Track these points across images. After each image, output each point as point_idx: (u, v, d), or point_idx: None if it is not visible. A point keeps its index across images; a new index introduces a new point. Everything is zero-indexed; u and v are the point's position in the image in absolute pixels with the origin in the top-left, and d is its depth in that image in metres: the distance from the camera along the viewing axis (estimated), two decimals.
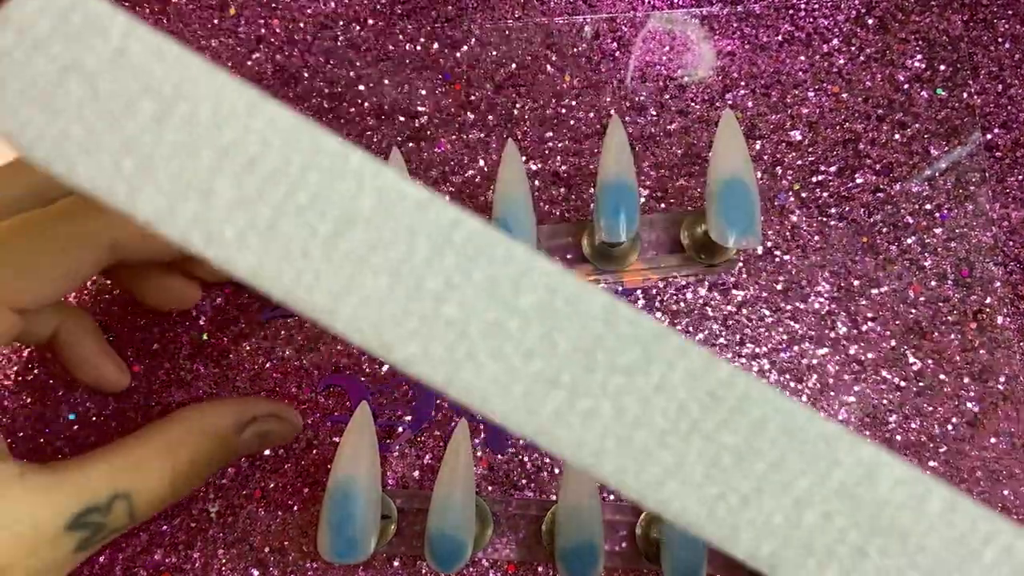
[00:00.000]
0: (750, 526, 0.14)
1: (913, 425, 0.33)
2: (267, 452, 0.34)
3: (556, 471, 0.34)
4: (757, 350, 0.35)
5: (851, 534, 0.14)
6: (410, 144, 0.38)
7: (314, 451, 0.34)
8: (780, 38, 0.39)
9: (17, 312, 0.24)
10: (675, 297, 0.35)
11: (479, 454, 0.34)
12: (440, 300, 0.14)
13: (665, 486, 0.14)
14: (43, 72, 0.13)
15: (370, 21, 0.41)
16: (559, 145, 0.38)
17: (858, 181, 0.36)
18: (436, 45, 0.40)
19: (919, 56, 0.38)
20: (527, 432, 0.14)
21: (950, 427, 0.33)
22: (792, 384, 0.34)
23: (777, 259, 0.36)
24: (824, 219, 0.36)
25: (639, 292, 0.35)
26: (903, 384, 0.34)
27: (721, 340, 0.35)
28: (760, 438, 0.14)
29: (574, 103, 0.38)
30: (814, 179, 0.36)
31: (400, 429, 0.35)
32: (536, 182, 0.37)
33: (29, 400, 0.36)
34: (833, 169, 0.36)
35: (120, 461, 0.24)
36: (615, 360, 0.14)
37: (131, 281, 0.32)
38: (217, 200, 0.14)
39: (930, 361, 0.34)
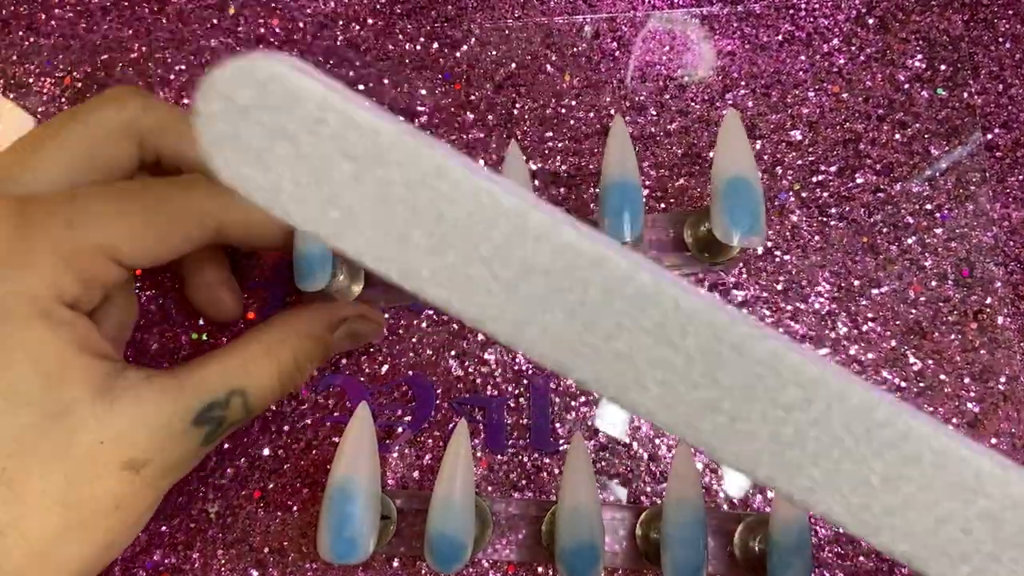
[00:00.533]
0: (890, 530, 0.16)
1: None
2: (266, 452, 0.34)
3: (556, 471, 0.34)
4: None
5: (987, 546, 0.16)
6: None
7: (313, 451, 0.34)
8: (780, 38, 0.39)
9: (121, 266, 0.25)
10: None
11: (479, 455, 0.34)
12: (611, 337, 0.16)
13: (815, 494, 0.16)
14: (253, 134, 0.15)
15: (369, 21, 0.41)
16: (559, 145, 0.38)
17: (858, 181, 0.36)
18: (436, 45, 0.40)
19: (919, 56, 0.38)
20: (688, 441, 0.16)
21: (950, 428, 0.33)
22: None
23: (777, 259, 0.36)
24: (824, 219, 0.36)
25: None
26: (903, 384, 0.34)
27: None
28: (911, 468, 0.16)
29: (574, 103, 0.38)
30: (814, 179, 0.36)
31: (400, 429, 0.34)
32: (536, 182, 0.37)
33: None
34: (833, 169, 0.36)
35: (232, 362, 0.26)
36: (775, 397, 0.16)
37: (188, 275, 0.33)
38: (412, 247, 0.16)
39: (930, 361, 0.34)
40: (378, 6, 0.41)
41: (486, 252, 0.16)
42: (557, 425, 0.34)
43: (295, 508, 0.34)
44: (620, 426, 0.34)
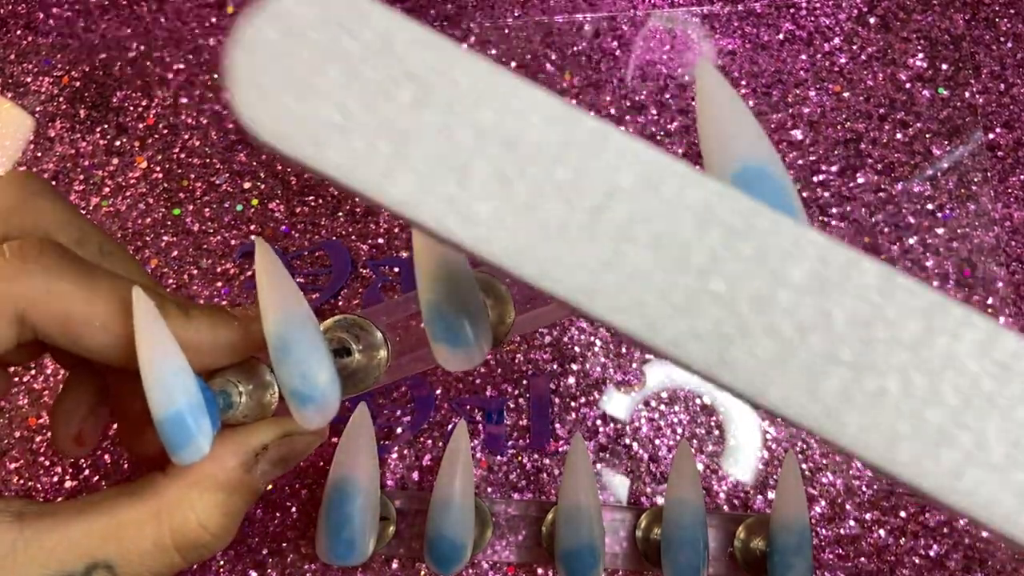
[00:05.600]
0: None
1: None
2: None
3: (556, 472, 0.33)
4: None
5: None
6: None
7: (312, 452, 0.34)
8: (781, 37, 0.38)
9: None
10: None
11: (478, 455, 0.34)
12: (706, 274, 0.14)
13: (966, 475, 0.13)
14: (303, 59, 0.14)
15: None
16: None
17: (860, 181, 0.36)
18: None
19: (921, 55, 0.38)
20: (809, 418, 0.14)
21: None
22: None
23: None
24: (825, 219, 0.36)
25: None
26: None
27: None
28: None
29: (574, 102, 0.38)
30: (815, 179, 0.36)
31: (399, 430, 0.34)
32: None
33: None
34: (834, 169, 0.36)
35: (100, 524, 0.20)
36: (896, 333, 0.13)
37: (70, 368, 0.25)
38: (472, 180, 0.14)
39: None
40: None
41: (562, 175, 0.14)
42: (557, 425, 0.34)
43: (294, 509, 0.34)
44: (626, 411, 0.34)
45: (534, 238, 0.14)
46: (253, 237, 0.21)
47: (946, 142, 0.36)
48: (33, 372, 0.36)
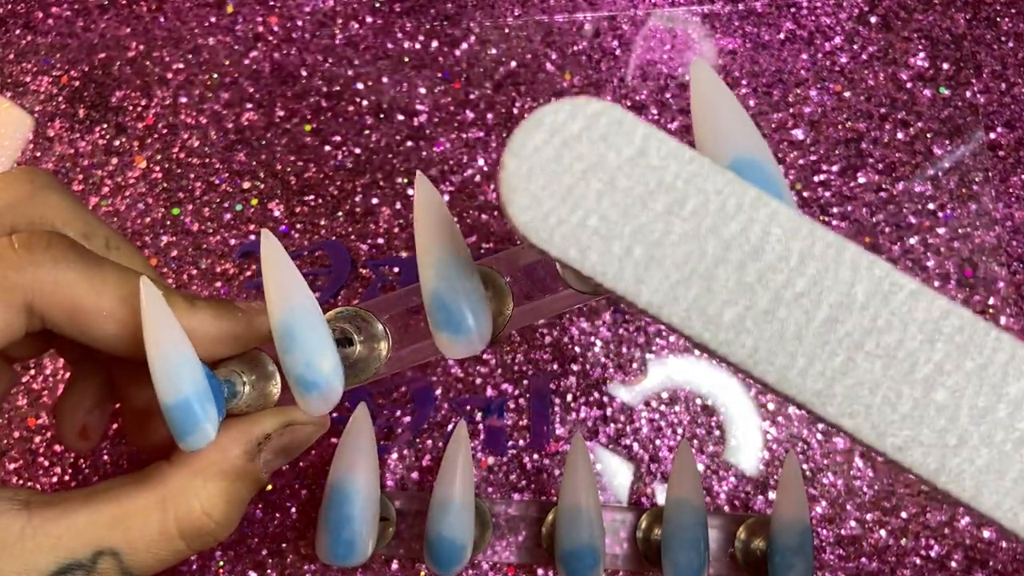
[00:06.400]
0: None
1: None
2: None
3: (556, 472, 0.33)
4: None
5: None
6: (409, 143, 0.38)
7: (312, 452, 0.34)
8: (782, 36, 0.38)
9: None
10: None
11: (478, 456, 0.34)
12: (931, 386, 0.15)
13: None
14: (570, 169, 0.15)
15: (369, 19, 0.40)
16: None
17: (860, 180, 0.36)
18: (435, 43, 0.40)
19: (922, 54, 0.37)
20: (1021, 526, 0.15)
21: None
22: None
23: None
24: (826, 219, 0.36)
25: None
26: None
27: None
28: None
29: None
30: (816, 178, 0.36)
31: (399, 430, 0.34)
32: None
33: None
34: (835, 168, 0.36)
35: (105, 512, 0.20)
36: None
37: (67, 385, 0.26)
38: (717, 287, 0.15)
39: None
40: (377, 4, 0.41)
41: (801, 287, 0.15)
42: (557, 425, 0.34)
43: (294, 509, 0.34)
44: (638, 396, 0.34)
45: (773, 344, 0.15)
46: (261, 229, 0.22)
47: (947, 142, 0.36)
48: (32, 372, 0.36)
